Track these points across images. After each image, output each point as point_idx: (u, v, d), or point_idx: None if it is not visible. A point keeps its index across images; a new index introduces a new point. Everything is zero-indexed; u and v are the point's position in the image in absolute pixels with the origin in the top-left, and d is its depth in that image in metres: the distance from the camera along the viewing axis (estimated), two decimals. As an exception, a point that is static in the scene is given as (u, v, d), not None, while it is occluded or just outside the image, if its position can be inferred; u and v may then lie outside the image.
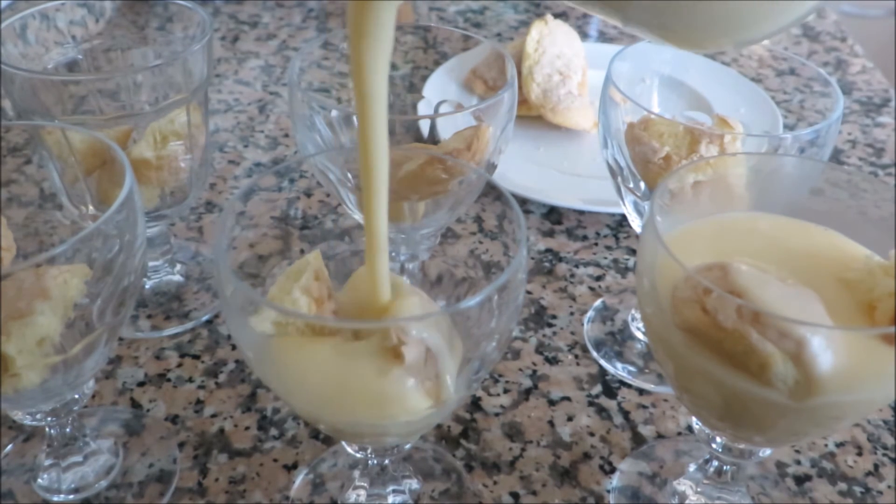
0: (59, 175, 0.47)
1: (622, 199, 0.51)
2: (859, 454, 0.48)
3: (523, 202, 0.67)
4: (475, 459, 0.47)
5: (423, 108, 0.66)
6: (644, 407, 0.50)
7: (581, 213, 0.67)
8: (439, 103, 0.69)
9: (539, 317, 0.57)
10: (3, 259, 0.39)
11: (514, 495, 0.45)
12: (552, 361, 0.53)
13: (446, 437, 0.48)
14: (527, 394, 0.51)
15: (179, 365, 0.52)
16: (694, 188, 0.39)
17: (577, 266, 0.62)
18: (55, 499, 0.44)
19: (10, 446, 0.47)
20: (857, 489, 0.46)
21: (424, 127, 0.50)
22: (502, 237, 0.36)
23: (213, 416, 0.49)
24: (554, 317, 0.57)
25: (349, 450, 0.41)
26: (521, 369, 0.53)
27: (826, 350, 0.30)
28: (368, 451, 0.40)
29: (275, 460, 0.46)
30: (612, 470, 0.46)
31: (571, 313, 0.57)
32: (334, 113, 0.46)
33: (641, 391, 0.51)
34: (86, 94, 0.47)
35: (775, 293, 0.31)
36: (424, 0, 1.04)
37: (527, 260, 0.39)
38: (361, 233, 0.39)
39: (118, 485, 0.45)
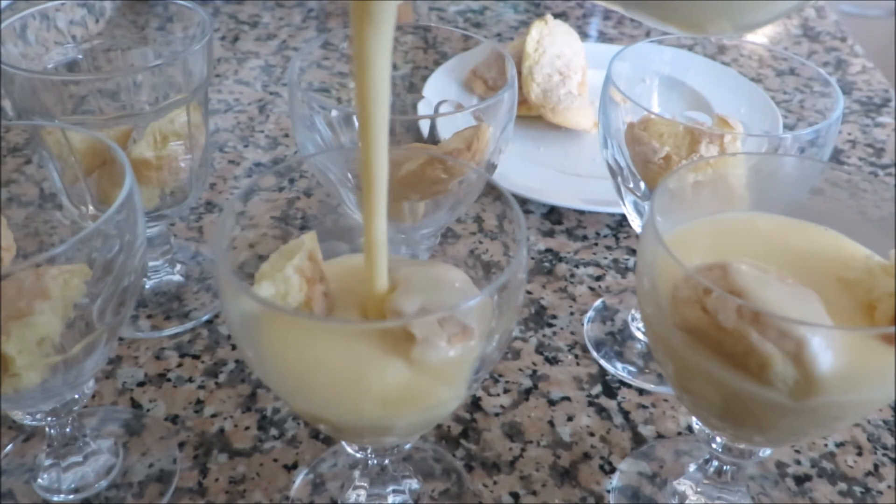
0: (59, 175, 0.47)
1: (622, 199, 0.51)
2: (859, 454, 0.48)
3: (523, 202, 0.67)
4: (475, 459, 0.47)
5: (423, 108, 0.66)
6: (644, 407, 0.50)
7: (581, 213, 0.67)
8: (439, 103, 0.69)
9: (539, 317, 0.57)
10: (3, 259, 0.39)
11: (514, 495, 0.45)
12: (552, 361, 0.53)
13: (446, 437, 0.48)
14: (527, 394, 0.51)
15: (179, 365, 0.52)
16: (694, 188, 0.39)
17: (577, 266, 0.62)
18: (55, 499, 0.44)
19: (10, 446, 0.47)
20: (857, 489, 0.46)
21: (424, 127, 0.50)
22: (502, 237, 0.36)
23: (213, 416, 0.49)
24: (554, 317, 0.57)
25: (349, 450, 0.41)
26: (521, 369, 0.53)
27: (826, 350, 0.30)
28: (368, 451, 0.40)
29: (275, 460, 0.46)
30: (612, 470, 0.46)
31: (571, 313, 0.57)
32: (334, 113, 0.46)
33: (641, 391, 0.51)
34: (86, 94, 0.47)
35: (775, 293, 0.31)
36: (424, 0, 1.04)
37: (527, 260, 0.39)
38: (362, 233, 0.39)
39: (118, 485, 0.45)
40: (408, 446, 0.41)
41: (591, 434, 0.49)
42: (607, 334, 0.56)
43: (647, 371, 0.53)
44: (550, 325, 0.56)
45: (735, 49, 0.59)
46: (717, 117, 0.49)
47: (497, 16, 1.02)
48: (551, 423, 0.49)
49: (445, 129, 0.46)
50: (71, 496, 0.44)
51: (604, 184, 0.56)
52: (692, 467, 0.46)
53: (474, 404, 0.50)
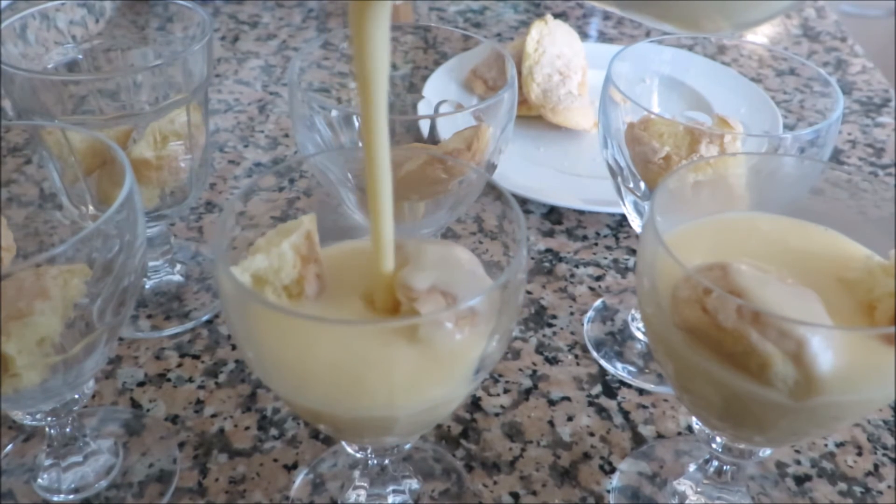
0: (59, 175, 0.47)
1: (622, 199, 0.51)
2: (859, 454, 0.48)
3: (523, 202, 0.67)
4: (475, 459, 0.47)
5: (423, 108, 0.66)
6: (644, 407, 0.50)
7: (581, 213, 0.67)
8: (439, 103, 0.69)
9: (539, 317, 0.57)
10: (3, 259, 0.39)
11: (514, 495, 0.45)
12: (552, 361, 0.53)
13: (446, 437, 0.48)
14: (527, 394, 0.51)
15: (179, 365, 0.52)
16: (694, 188, 0.39)
17: (577, 266, 0.62)
18: (55, 499, 0.44)
19: (10, 446, 0.47)
20: (857, 489, 0.46)
21: (424, 127, 0.50)
22: (502, 237, 0.35)
23: (213, 416, 0.49)
24: (554, 317, 0.57)
25: (349, 450, 0.41)
26: (521, 369, 0.53)
27: (826, 350, 0.30)
28: (368, 451, 0.40)
29: (275, 460, 0.46)
30: (612, 470, 0.46)
31: (571, 313, 0.57)
32: (334, 113, 0.46)
33: (641, 391, 0.51)
34: (86, 94, 0.47)
35: (775, 293, 0.31)
36: (424, 0, 1.04)
37: (527, 260, 0.39)
38: (361, 233, 0.39)
39: (118, 485, 0.45)
40: (408, 446, 0.41)
41: (591, 434, 0.49)
42: (607, 334, 0.56)
43: (647, 371, 0.53)
44: (550, 325, 0.56)
45: (735, 49, 0.59)
46: (717, 117, 0.49)
47: (497, 16, 1.02)
48: (551, 423, 0.49)
49: (445, 129, 0.46)
50: (71, 496, 0.44)
51: (604, 184, 0.56)
52: (692, 467, 0.46)
53: (474, 404, 0.50)
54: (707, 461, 0.44)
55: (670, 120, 0.46)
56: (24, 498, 0.44)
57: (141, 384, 0.51)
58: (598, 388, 0.52)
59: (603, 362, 0.53)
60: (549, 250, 0.63)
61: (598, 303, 0.58)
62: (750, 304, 0.30)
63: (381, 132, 0.30)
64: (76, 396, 0.41)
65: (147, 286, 0.58)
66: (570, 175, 0.70)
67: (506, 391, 0.51)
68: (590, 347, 0.55)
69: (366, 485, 0.44)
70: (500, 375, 0.52)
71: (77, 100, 0.47)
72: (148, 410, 0.49)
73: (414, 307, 0.31)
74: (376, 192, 0.31)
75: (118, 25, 0.57)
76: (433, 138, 0.48)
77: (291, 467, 0.46)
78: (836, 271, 0.35)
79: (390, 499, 0.44)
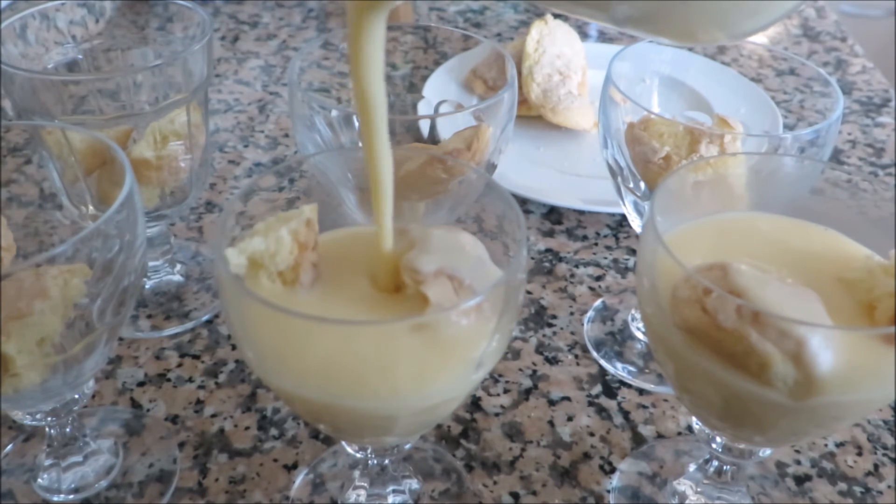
0: (59, 175, 0.47)
1: (622, 199, 0.51)
2: (859, 454, 0.48)
3: (523, 202, 0.67)
4: (475, 459, 0.47)
5: (423, 108, 0.66)
6: (644, 407, 0.50)
7: (581, 213, 0.67)
8: (439, 103, 0.69)
9: (539, 317, 0.57)
10: (3, 259, 0.39)
11: (514, 495, 0.45)
12: (552, 361, 0.53)
13: (446, 437, 0.48)
14: (527, 394, 0.51)
15: (179, 365, 0.52)
16: (694, 188, 0.39)
17: (577, 266, 0.62)
18: (55, 499, 0.44)
19: (10, 446, 0.47)
20: (857, 489, 0.46)
21: (424, 127, 0.50)
22: (502, 237, 0.35)
23: (213, 416, 0.49)
24: (554, 317, 0.57)
25: (349, 450, 0.41)
26: (521, 369, 0.53)
27: (826, 350, 0.30)
28: (368, 451, 0.40)
29: (275, 460, 0.46)
30: (612, 470, 0.46)
31: (571, 313, 0.57)
32: (334, 113, 0.46)
33: (641, 391, 0.51)
34: (86, 94, 0.47)
35: (775, 293, 0.31)
36: (424, 0, 1.04)
37: (527, 260, 0.39)
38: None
39: (118, 485, 0.45)
40: (408, 446, 0.41)
41: (591, 434, 0.49)
42: (607, 334, 0.56)
43: (647, 371, 0.53)
44: (550, 325, 0.56)
45: (735, 49, 0.59)
46: (717, 117, 0.49)
47: (497, 16, 1.02)
48: (551, 423, 0.49)
49: (445, 129, 0.46)
50: (71, 496, 0.44)
51: (604, 184, 0.56)
52: (692, 467, 0.46)
53: (474, 404, 0.50)
54: (707, 461, 0.44)
55: (670, 120, 0.46)
56: (24, 498, 0.44)
57: (141, 384, 0.51)
58: (598, 388, 0.52)
59: (603, 362, 0.53)
60: (549, 250, 0.63)
61: (598, 303, 0.58)
62: (750, 304, 0.30)
63: (378, 103, 0.30)
64: (76, 396, 0.41)
65: (147, 286, 0.58)
66: (570, 175, 0.70)
67: (506, 391, 0.51)
68: (590, 347, 0.55)
69: (366, 485, 0.44)
70: (500, 375, 0.52)
71: (77, 100, 0.47)
72: (148, 410, 0.49)
73: (420, 290, 0.31)
74: (378, 181, 0.31)
75: (118, 25, 0.57)
76: (433, 138, 0.48)
77: (291, 467, 0.46)
78: (836, 271, 0.35)
79: (390, 499, 0.44)
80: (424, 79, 0.74)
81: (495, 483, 0.45)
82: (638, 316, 0.56)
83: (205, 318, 0.56)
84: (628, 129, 0.48)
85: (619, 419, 0.50)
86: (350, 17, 0.29)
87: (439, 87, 0.75)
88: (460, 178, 0.41)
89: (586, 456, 0.47)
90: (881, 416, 0.50)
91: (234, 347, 0.53)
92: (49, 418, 0.41)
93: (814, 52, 0.95)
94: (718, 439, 0.40)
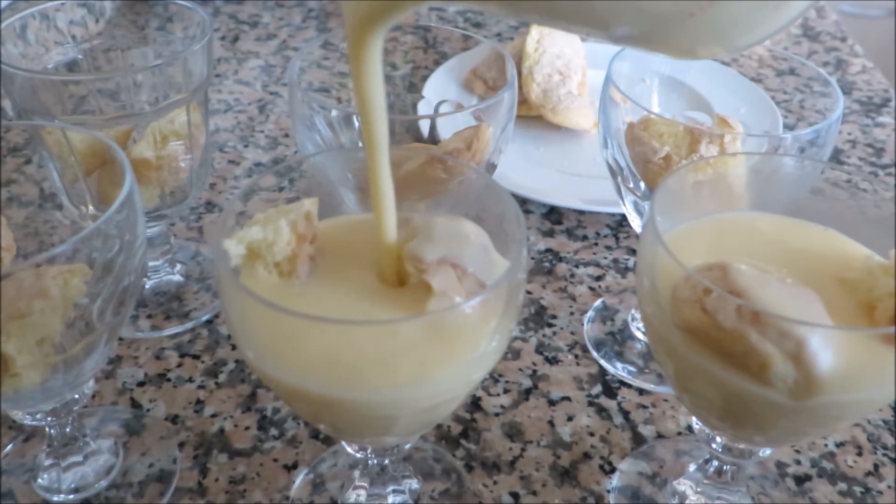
0: (59, 175, 0.47)
1: (622, 199, 0.51)
2: (859, 454, 0.48)
3: (523, 202, 0.67)
4: (475, 459, 0.47)
5: (423, 108, 0.66)
6: (644, 407, 0.50)
7: (581, 213, 0.67)
8: (439, 103, 0.69)
9: (539, 317, 0.57)
10: (3, 259, 0.39)
11: (514, 495, 0.45)
12: (552, 361, 0.53)
13: (446, 437, 0.48)
14: (527, 394, 0.51)
15: (179, 365, 0.52)
16: (694, 188, 0.39)
17: (577, 266, 0.62)
18: (55, 499, 0.44)
19: (10, 446, 0.47)
20: (857, 489, 0.46)
21: (424, 127, 0.50)
22: (502, 237, 0.35)
23: (213, 416, 0.49)
24: (554, 317, 0.57)
25: (349, 450, 0.41)
26: (521, 369, 0.53)
27: (826, 350, 0.30)
28: (368, 451, 0.40)
29: (275, 460, 0.46)
30: (612, 470, 0.46)
31: (571, 313, 0.57)
32: (334, 113, 0.46)
33: (641, 391, 0.51)
34: (86, 94, 0.47)
35: (775, 293, 0.31)
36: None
37: (527, 260, 0.39)
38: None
39: (118, 485, 0.45)
40: (408, 446, 0.41)
41: (591, 434, 0.49)
42: (607, 334, 0.56)
43: (647, 371, 0.53)
44: (550, 325, 0.56)
45: (735, 49, 0.59)
46: (717, 117, 0.49)
47: (497, 16, 1.02)
48: (551, 423, 0.49)
49: (445, 129, 0.46)
50: (71, 496, 0.44)
51: (604, 184, 0.56)
52: (692, 467, 0.46)
53: (474, 404, 0.50)
54: (707, 461, 0.44)
55: (670, 120, 0.46)
56: (24, 498, 0.44)
57: (141, 384, 0.51)
58: (598, 388, 0.52)
59: (603, 362, 0.53)
60: (549, 250, 0.63)
61: (598, 303, 0.58)
62: (750, 304, 0.30)
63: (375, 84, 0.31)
64: (76, 396, 0.41)
65: (147, 286, 0.58)
66: (570, 175, 0.70)
67: (506, 391, 0.51)
68: (590, 347, 0.55)
69: (366, 485, 0.44)
70: (500, 375, 0.52)
71: (77, 100, 0.47)
72: (148, 410, 0.49)
73: (423, 278, 0.31)
74: (378, 186, 0.32)
75: (118, 25, 0.57)
76: (433, 138, 0.48)
77: (291, 467, 0.46)
78: (836, 271, 0.35)
79: (390, 499, 0.44)
80: (424, 79, 0.74)
81: (495, 483, 0.45)
82: (638, 316, 0.56)
83: (205, 318, 0.56)
84: (628, 129, 0.48)
85: (619, 419, 0.50)
86: (350, 31, 0.29)
87: (439, 87, 0.75)
88: (460, 178, 0.41)
89: (586, 456, 0.47)
90: (881, 416, 0.50)
91: (234, 347, 0.53)
92: (49, 418, 0.41)
93: (814, 52, 0.95)
94: (718, 439, 0.40)
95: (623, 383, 0.52)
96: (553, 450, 0.47)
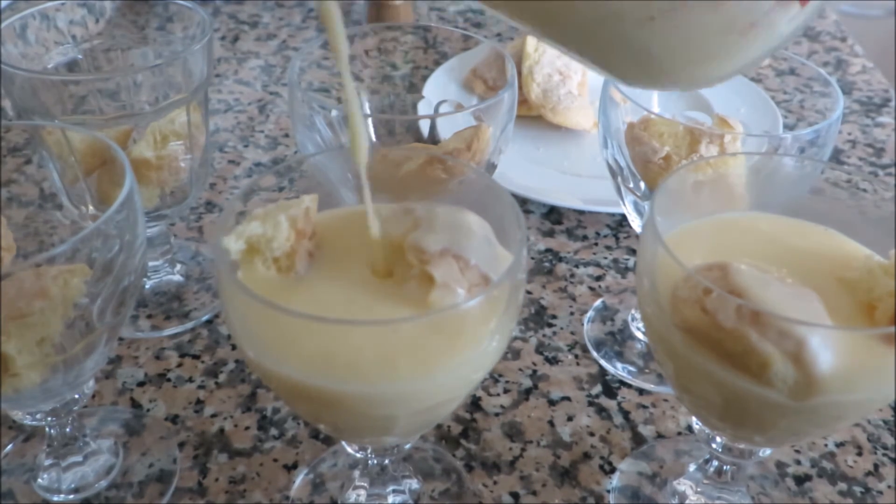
0: (59, 175, 0.47)
1: (622, 199, 0.51)
2: (859, 454, 0.48)
3: (523, 202, 0.67)
4: (475, 459, 0.47)
5: (423, 108, 0.66)
6: (644, 407, 0.50)
7: (581, 213, 0.67)
8: (439, 103, 0.69)
9: (539, 317, 0.57)
10: (3, 259, 0.39)
11: (514, 495, 0.45)
12: (552, 361, 0.53)
13: (446, 437, 0.48)
14: (527, 394, 0.51)
15: (179, 365, 0.52)
16: (694, 188, 0.39)
17: (577, 266, 0.62)
18: (55, 499, 0.44)
19: (10, 446, 0.47)
20: (857, 489, 0.46)
21: (424, 127, 0.50)
22: (502, 237, 0.35)
23: (213, 416, 0.49)
24: (554, 317, 0.57)
25: (349, 450, 0.41)
26: (521, 369, 0.53)
27: (826, 350, 0.30)
28: (368, 451, 0.40)
29: (275, 460, 0.46)
30: (612, 470, 0.46)
31: (571, 313, 0.57)
32: (334, 113, 0.46)
33: (641, 391, 0.51)
34: (86, 94, 0.47)
35: (775, 293, 0.31)
36: (424, 0, 1.04)
37: (527, 260, 0.39)
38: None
39: (118, 485, 0.45)
40: (408, 446, 0.41)
41: (591, 434, 0.49)
42: (607, 334, 0.56)
43: (647, 371, 0.53)
44: (550, 325, 0.56)
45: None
46: (717, 117, 0.49)
47: (497, 16, 1.02)
48: (551, 423, 0.49)
49: (445, 129, 0.46)
50: (71, 496, 0.44)
51: (604, 184, 0.56)
52: (692, 467, 0.46)
53: (474, 404, 0.50)
54: (707, 461, 0.44)
55: (670, 120, 0.46)
56: (24, 498, 0.44)
57: (141, 384, 0.51)
58: (598, 388, 0.52)
59: (603, 362, 0.53)
60: (549, 250, 0.63)
61: (598, 303, 0.58)
62: (750, 304, 0.30)
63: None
64: (76, 396, 0.41)
65: (147, 286, 0.58)
66: (570, 175, 0.70)
67: (506, 391, 0.51)
68: (590, 347, 0.55)
69: (366, 485, 0.44)
70: (500, 375, 0.52)
71: (77, 100, 0.47)
72: (148, 410, 0.49)
73: (425, 270, 0.30)
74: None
75: (118, 25, 0.57)
76: (433, 138, 0.48)
77: (291, 467, 0.46)
78: (836, 271, 0.35)
79: (390, 499, 0.44)
80: (424, 79, 0.74)
81: (495, 483, 0.45)
82: (638, 316, 0.56)
83: (205, 318, 0.56)
84: (628, 129, 0.48)
85: (619, 419, 0.50)
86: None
87: (439, 87, 0.75)
88: (460, 178, 0.41)
89: (586, 456, 0.47)
90: (881, 416, 0.50)
91: (233, 347, 0.53)
92: (49, 418, 0.41)
93: (814, 52, 0.95)
94: (718, 439, 0.40)
95: (623, 383, 0.52)
96: (553, 450, 0.47)
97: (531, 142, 0.74)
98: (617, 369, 0.53)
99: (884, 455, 0.47)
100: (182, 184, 0.52)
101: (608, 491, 0.45)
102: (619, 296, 0.59)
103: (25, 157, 0.46)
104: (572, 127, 0.74)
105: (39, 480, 0.44)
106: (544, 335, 0.55)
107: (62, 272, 0.34)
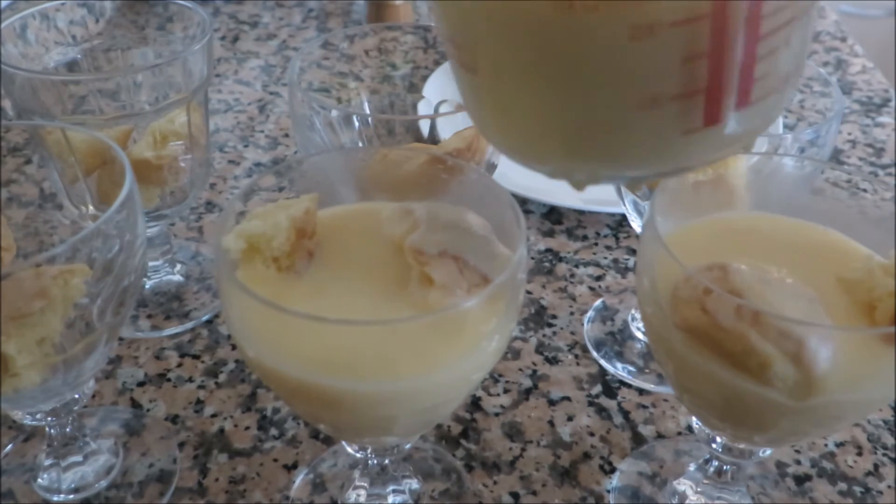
0: (59, 175, 0.47)
1: (622, 199, 0.51)
2: (859, 454, 0.48)
3: (523, 202, 0.67)
4: (475, 459, 0.47)
5: (423, 108, 0.66)
6: (644, 407, 0.50)
7: (581, 213, 0.67)
8: (439, 103, 0.69)
9: (539, 317, 0.57)
10: (3, 259, 0.39)
11: (514, 495, 0.45)
12: (552, 361, 0.53)
13: (446, 437, 0.48)
14: (527, 394, 0.51)
15: (179, 365, 0.52)
16: (694, 188, 0.39)
17: (577, 266, 0.62)
18: (55, 499, 0.44)
19: (10, 446, 0.47)
20: (857, 489, 0.46)
21: (424, 127, 0.50)
22: (502, 237, 0.35)
23: (213, 416, 0.49)
24: (554, 317, 0.57)
25: (349, 450, 0.41)
26: (521, 369, 0.53)
27: (826, 350, 0.30)
28: (368, 451, 0.40)
29: (275, 460, 0.46)
30: (612, 470, 0.46)
31: (571, 313, 0.57)
32: (334, 113, 0.46)
33: (641, 391, 0.51)
34: (86, 94, 0.47)
35: (775, 293, 0.31)
36: (424, 0, 1.04)
37: (527, 260, 0.39)
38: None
39: (118, 485, 0.45)
40: (408, 446, 0.41)
41: (591, 434, 0.49)
42: (607, 334, 0.56)
43: (647, 371, 0.53)
44: (550, 325, 0.56)
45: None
46: (717, 117, 0.49)
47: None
48: (551, 423, 0.49)
49: (445, 129, 0.46)
50: (71, 496, 0.44)
51: (604, 184, 0.56)
52: (692, 467, 0.46)
53: (474, 404, 0.50)
54: (707, 461, 0.44)
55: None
56: (24, 498, 0.44)
57: (141, 384, 0.51)
58: (598, 388, 0.52)
59: (603, 362, 0.53)
60: (549, 250, 0.63)
61: (598, 303, 0.58)
62: (750, 304, 0.30)
63: None
64: (76, 396, 0.41)
65: (147, 286, 0.58)
66: (570, 175, 0.70)
67: (506, 391, 0.51)
68: (590, 347, 0.55)
69: (366, 485, 0.44)
70: (500, 375, 0.52)
71: (77, 100, 0.47)
72: (148, 410, 0.49)
73: (425, 271, 0.30)
74: None
75: (118, 25, 0.57)
76: (433, 138, 0.48)
77: (291, 467, 0.46)
78: (836, 271, 0.35)
79: (390, 499, 0.44)
80: (424, 79, 0.74)
81: (495, 483, 0.45)
82: (638, 316, 0.56)
83: (205, 318, 0.56)
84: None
85: (619, 419, 0.50)
86: None
87: (439, 87, 0.75)
88: (460, 178, 0.41)
89: (586, 456, 0.47)
90: (881, 416, 0.50)
91: (233, 347, 0.53)
92: (49, 418, 0.41)
93: (814, 52, 0.95)
94: (718, 439, 0.40)
95: (623, 383, 0.52)
96: (553, 450, 0.47)
97: (531, 142, 0.74)
98: (617, 369, 0.53)
99: (884, 455, 0.48)
100: (182, 184, 0.52)
101: (608, 491, 0.45)
102: (619, 296, 0.59)
103: (25, 157, 0.46)
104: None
105: (39, 480, 0.44)
106: (544, 335, 0.55)
107: (62, 272, 0.34)
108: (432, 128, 0.49)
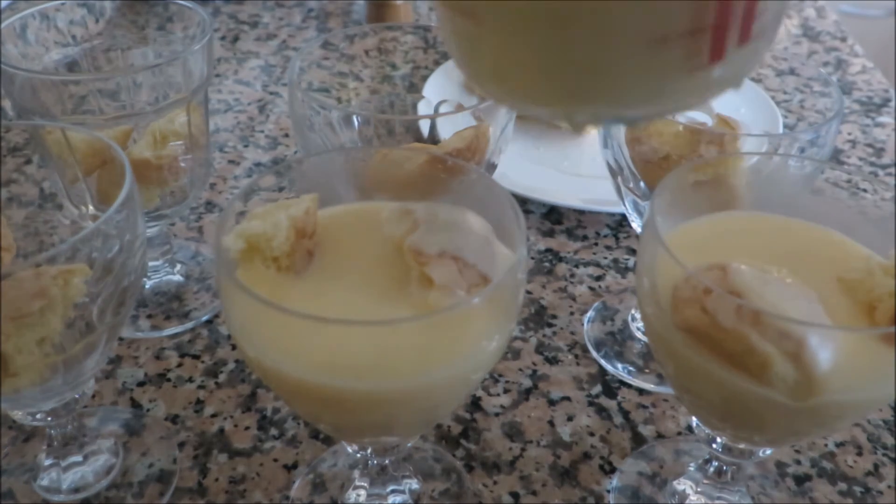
0: (59, 175, 0.47)
1: (622, 199, 0.51)
2: (859, 454, 0.48)
3: (523, 202, 0.67)
4: (475, 459, 0.47)
5: (423, 108, 0.66)
6: (644, 407, 0.50)
7: (581, 213, 0.67)
8: (439, 103, 0.69)
9: (539, 317, 0.57)
10: (3, 259, 0.39)
11: (514, 495, 0.45)
12: (552, 361, 0.53)
13: (446, 437, 0.48)
14: (527, 394, 0.51)
15: (179, 365, 0.52)
16: (694, 188, 0.39)
17: (577, 266, 0.62)
18: (55, 499, 0.44)
19: (10, 446, 0.47)
20: (857, 489, 0.46)
21: (424, 127, 0.50)
22: (502, 237, 0.35)
23: (213, 416, 0.49)
24: (554, 317, 0.57)
25: (349, 450, 0.41)
26: (521, 369, 0.53)
27: (826, 350, 0.30)
28: (368, 451, 0.40)
29: (275, 460, 0.46)
30: (612, 470, 0.46)
31: (571, 313, 0.57)
32: (334, 113, 0.46)
33: (641, 391, 0.51)
34: (86, 94, 0.47)
35: (775, 293, 0.31)
36: (424, 0, 1.04)
37: (527, 260, 0.39)
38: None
39: (118, 485, 0.45)
40: (408, 446, 0.41)
41: (591, 434, 0.49)
42: (607, 334, 0.56)
43: (647, 371, 0.53)
44: (550, 325, 0.56)
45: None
46: (717, 117, 0.49)
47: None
48: (551, 423, 0.49)
49: (445, 129, 0.46)
50: (71, 496, 0.44)
51: (604, 184, 0.56)
52: (692, 467, 0.46)
53: (474, 404, 0.50)
54: (707, 461, 0.44)
55: (670, 120, 0.46)
56: (24, 498, 0.44)
57: (141, 384, 0.51)
58: (598, 388, 0.52)
59: (603, 362, 0.53)
60: (549, 250, 0.63)
61: (598, 303, 0.58)
62: (750, 304, 0.30)
63: None
64: (76, 396, 0.41)
65: (147, 286, 0.58)
66: (570, 175, 0.70)
67: (506, 391, 0.51)
68: (590, 347, 0.55)
69: (366, 485, 0.44)
70: (500, 375, 0.52)
71: (77, 100, 0.47)
72: (148, 410, 0.49)
73: (424, 272, 0.30)
74: None
75: (118, 25, 0.57)
76: (433, 138, 0.48)
77: (291, 467, 0.46)
78: (836, 271, 0.35)
79: (390, 499, 0.44)
80: (424, 79, 0.74)
81: (495, 483, 0.45)
82: (638, 316, 0.56)
83: (205, 317, 0.56)
84: (628, 129, 0.48)
85: (619, 419, 0.50)
86: None
87: (439, 87, 0.75)
88: (460, 178, 0.41)
89: (586, 456, 0.47)
90: (881, 416, 0.50)
91: (233, 347, 0.53)
92: (49, 418, 0.41)
93: (814, 52, 0.95)
94: (718, 439, 0.40)
95: (623, 383, 0.52)
96: (553, 450, 0.47)
97: (531, 142, 0.74)
98: (617, 369, 0.53)
99: (884, 455, 0.47)
100: (182, 184, 0.52)
101: (608, 491, 0.45)
102: (619, 296, 0.59)
103: (25, 157, 0.46)
104: (572, 127, 0.75)
105: (39, 480, 0.44)
106: (544, 335, 0.55)
107: (62, 272, 0.34)
108: (432, 128, 0.49)
